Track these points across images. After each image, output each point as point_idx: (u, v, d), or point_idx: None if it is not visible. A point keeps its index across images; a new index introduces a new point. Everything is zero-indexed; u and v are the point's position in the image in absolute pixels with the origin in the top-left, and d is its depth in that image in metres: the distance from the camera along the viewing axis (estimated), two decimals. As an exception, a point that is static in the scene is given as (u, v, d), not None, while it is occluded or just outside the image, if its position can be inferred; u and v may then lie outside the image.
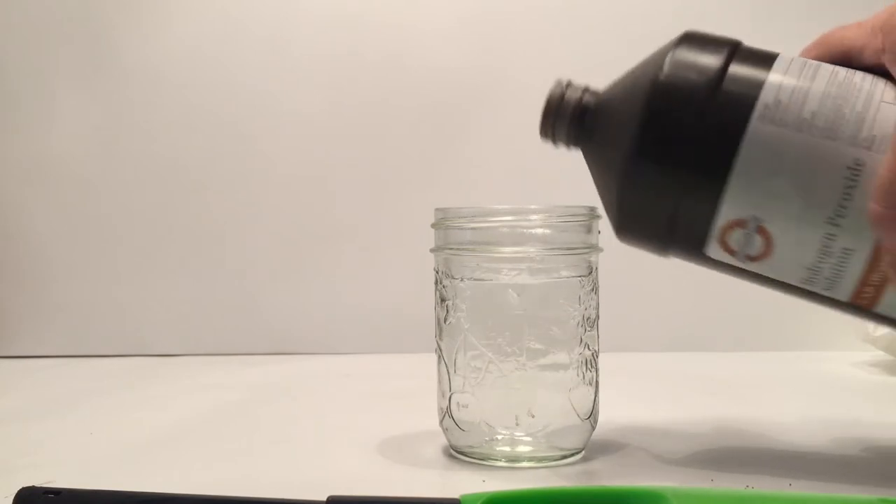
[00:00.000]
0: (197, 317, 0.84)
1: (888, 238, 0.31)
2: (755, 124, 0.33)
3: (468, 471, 0.40)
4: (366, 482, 0.38)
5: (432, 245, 0.43)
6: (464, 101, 0.83)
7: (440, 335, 0.43)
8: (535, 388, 0.40)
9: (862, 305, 0.34)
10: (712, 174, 0.34)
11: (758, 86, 0.33)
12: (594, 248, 0.42)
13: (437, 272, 0.43)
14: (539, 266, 0.40)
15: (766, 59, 0.35)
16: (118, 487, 0.31)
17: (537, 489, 0.31)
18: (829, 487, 0.36)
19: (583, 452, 0.42)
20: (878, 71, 0.34)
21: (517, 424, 0.40)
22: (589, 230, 0.42)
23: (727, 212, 0.34)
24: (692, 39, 0.36)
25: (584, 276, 0.41)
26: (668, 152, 0.34)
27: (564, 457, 0.41)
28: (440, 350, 0.43)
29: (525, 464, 0.40)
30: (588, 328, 0.41)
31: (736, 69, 0.34)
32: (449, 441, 0.42)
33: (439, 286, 0.42)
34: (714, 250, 0.35)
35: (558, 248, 0.41)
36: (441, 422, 0.43)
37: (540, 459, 0.40)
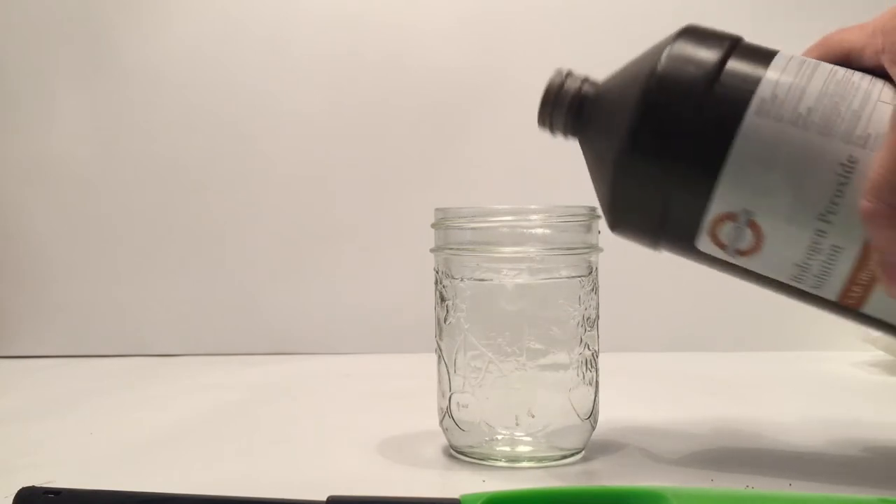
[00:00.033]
0: (197, 317, 0.85)
1: (878, 235, 0.31)
2: (751, 118, 0.33)
3: (468, 471, 0.40)
4: (366, 482, 0.38)
5: (432, 245, 0.43)
6: (464, 101, 0.83)
7: (440, 335, 0.43)
8: (535, 388, 0.40)
9: (850, 305, 0.34)
10: (706, 166, 0.34)
11: (755, 81, 0.34)
12: (594, 248, 0.42)
13: (437, 272, 0.43)
14: (539, 266, 0.40)
15: (764, 56, 0.35)
16: (118, 487, 0.31)
17: (537, 489, 0.31)
18: (829, 487, 0.36)
19: (583, 452, 0.42)
20: (878, 72, 0.34)
21: (517, 424, 0.40)
22: (589, 230, 0.42)
23: (719, 204, 0.34)
24: (692, 33, 0.36)
25: (584, 276, 0.41)
26: (663, 143, 0.35)
27: (564, 457, 0.41)
28: (440, 350, 0.43)
29: (525, 464, 0.40)
30: (588, 328, 0.41)
31: (734, 64, 0.34)
32: (449, 441, 0.42)
33: (439, 286, 0.42)
34: (704, 243, 0.35)
35: (558, 248, 0.41)
36: (441, 422, 0.43)
37: (540, 459, 0.40)
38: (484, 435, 0.40)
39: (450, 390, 0.42)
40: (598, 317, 0.42)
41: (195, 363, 0.79)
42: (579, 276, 0.41)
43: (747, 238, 0.34)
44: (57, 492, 0.29)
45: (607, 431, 0.45)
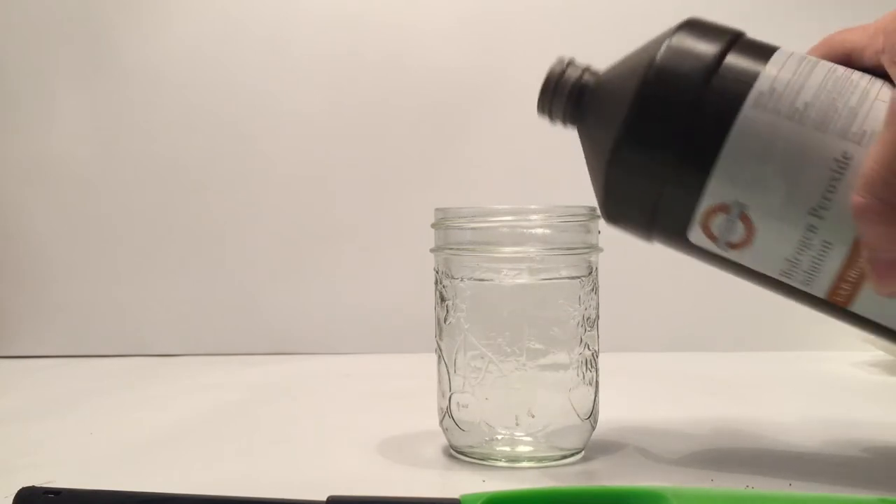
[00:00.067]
0: (197, 317, 0.85)
1: (868, 231, 0.31)
2: (747, 111, 0.33)
3: (468, 471, 0.40)
4: (366, 482, 0.38)
5: (432, 245, 0.43)
6: (464, 101, 0.83)
7: (440, 335, 0.43)
8: (535, 388, 0.40)
9: (838, 303, 0.34)
10: (700, 156, 0.34)
11: (754, 74, 0.34)
12: (594, 248, 0.42)
13: (437, 272, 0.43)
14: (539, 266, 0.40)
15: (765, 51, 0.35)
16: (118, 487, 0.31)
17: (537, 489, 0.31)
18: (829, 488, 0.36)
19: (583, 452, 0.42)
20: (878, 72, 0.34)
21: (517, 424, 0.40)
22: (589, 230, 0.42)
23: (711, 196, 0.34)
24: (693, 26, 0.36)
25: (584, 276, 0.41)
26: (659, 132, 0.35)
27: (564, 457, 0.41)
28: (440, 350, 0.43)
29: (525, 464, 0.40)
30: (588, 328, 0.41)
31: (733, 57, 0.34)
32: (449, 441, 0.42)
33: (439, 286, 0.42)
34: (696, 235, 0.35)
35: (558, 248, 0.41)
36: (441, 422, 0.43)
37: (540, 459, 0.40)
38: (484, 435, 0.40)
39: (450, 390, 0.42)
40: (598, 317, 0.42)
41: (195, 363, 0.79)
42: (579, 276, 0.41)
43: (739, 231, 0.34)
44: (57, 492, 0.29)
45: (607, 431, 0.45)
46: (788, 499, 0.32)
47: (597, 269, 0.42)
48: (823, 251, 0.33)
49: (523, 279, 0.41)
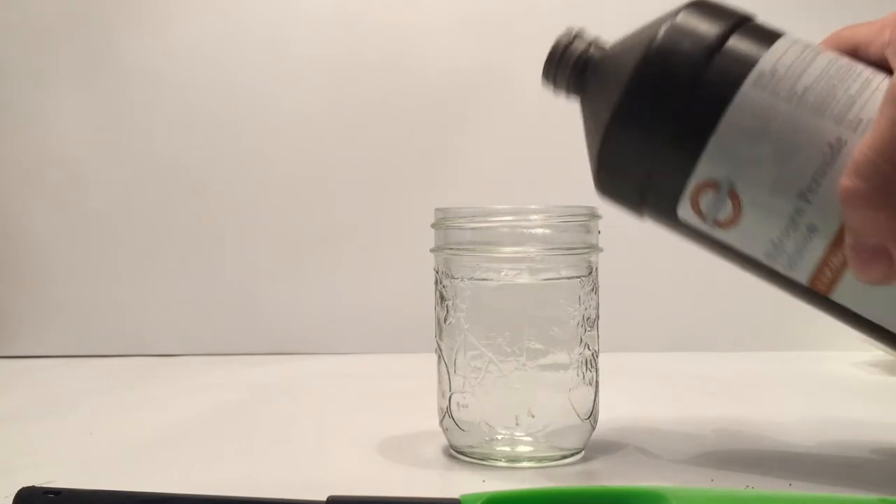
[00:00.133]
0: (197, 317, 0.85)
1: (853, 216, 0.32)
2: (747, 88, 0.33)
3: (468, 471, 0.40)
4: (366, 482, 0.38)
5: (432, 245, 0.43)
6: (464, 101, 0.83)
7: (440, 335, 0.43)
8: (535, 388, 0.40)
9: (819, 290, 0.34)
10: (695, 130, 0.34)
11: (756, 55, 0.34)
12: (594, 248, 0.42)
13: (437, 272, 0.43)
14: (539, 266, 0.40)
15: (770, 35, 0.35)
16: (118, 487, 0.31)
17: (537, 489, 0.31)
18: (829, 488, 0.36)
19: (583, 452, 0.42)
20: (883, 67, 0.34)
21: (517, 424, 0.40)
22: (589, 230, 0.42)
23: (703, 170, 0.34)
24: (701, 6, 0.36)
25: (584, 276, 0.41)
26: (656, 103, 0.35)
27: (564, 457, 0.41)
28: (440, 350, 0.43)
29: (525, 464, 0.40)
30: (588, 328, 0.41)
31: (737, 38, 0.35)
32: (449, 441, 0.42)
33: (439, 286, 0.42)
34: (685, 210, 0.36)
35: (558, 248, 0.41)
36: (441, 422, 0.43)
37: (540, 459, 0.40)
38: (484, 435, 0.40)
39: (450, 390, 0.42)
40: (598, 317, 0.42)
41: (195, 363, 0.79)
42: (579, 276, 0.41)
43: (727, 209, 0.34)
44: (57, 492, 0.29)
45: (607, 431, 0.45)
46: (788, 499, 0.32)
47: (597, 269, 0.42)
48: (808, 235, 0.33)
49: (523, 279, 0.41)
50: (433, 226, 0.43)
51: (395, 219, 0.83)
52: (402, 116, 0.84)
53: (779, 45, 0.34)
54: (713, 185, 0.34)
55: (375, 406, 0.57)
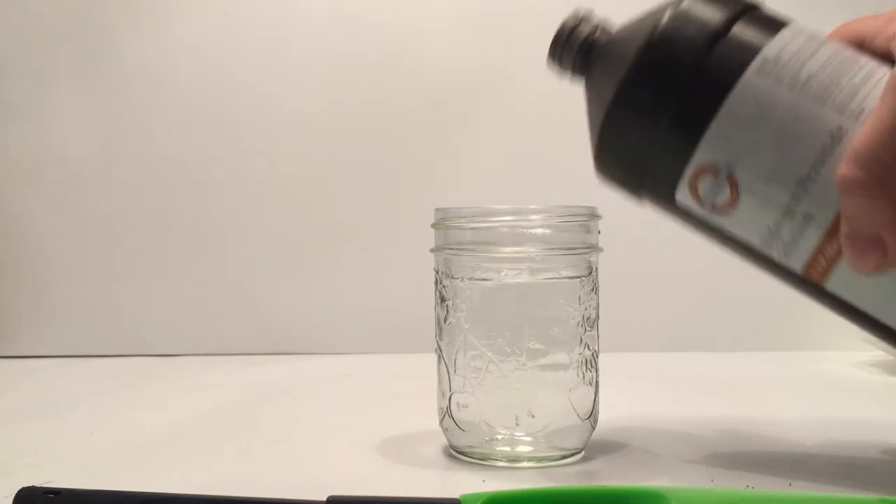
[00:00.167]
0: (197, 317, 0.85)
1: (850, 204, 0.31)
2: (751, 74, 0.33)
3: (468, 471, 0.40)
4: (366, 482, 0.38)
5: (432, 245, 0.43)
6: (464, 101, 0.83)
7: (440, 335, 0.43)
8: (535, 388, 0.40)
9: (813, 279, 0.34)
10: (698, 113, 0.34)
11: (761, 41, 0.34)
12: (594, 248, 0.42)
13: (437, 272, 0.43)
14: (539, 266, 0.40)
15: (776, 23, 0.35)
16: (118, 487, 0.31)
17: (537, 489, 0.31)
18: (829, 487, 0.36)
19: (583, 452, 0.42)
20: (889, 59, 0.34)
21: (517, 424, 0.40)
22: (589, 230, 0.42)
23: (703, 154, 0.34)
24: None
25: (584, 276, 0.41)
26: (659, 85, 0.35)
27: (564, 457, 0.41)
28: (440, 350, 0.43)
29: (525, 464, 0.40)
30: (588, 328, 0.41)
31: (743, 24, 0.35)
32: (449, 441, 0.42)
33: (439, 286, 0.42)
34: (683, 194, 0.36)
35: (558, 248, 0.41)
36: (441, 422, 0.43)
37: (540, 459, 0.40)
38: (484, 435, 0.40)
39: (450, 390, 0.42)
40: (598, 317, 0.42)
41: (195, 363, 0.79)
42: (579, 276, 0.41)
43: (724, 194, 0.34)
44: (57, 492, 0.29)
45: (607, 431, 0.45)
46: (788, 499, 0.32)
47: (597, 269, 0.42)
48: (805, 223, 0.33)
49: (523, 279, 0.41)
50: (433, 226, 0.43)
51: (395, 219, 0.83)
52: (402, 116, 0.84)
53: (784, 34, 0.34)
54: (712, 169, 0.34)
55: (375, 406, 0.57)
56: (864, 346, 0.69)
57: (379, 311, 0.83)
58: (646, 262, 0.80)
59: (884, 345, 0.68)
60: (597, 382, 0.42)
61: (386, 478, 0.39)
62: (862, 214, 0.31)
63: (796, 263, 0.34)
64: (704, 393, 0.60)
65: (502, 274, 0.41)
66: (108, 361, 0.80)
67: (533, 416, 0.40)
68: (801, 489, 0.36)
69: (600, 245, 0.42)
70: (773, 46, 0.34)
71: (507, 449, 0.40)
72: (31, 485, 0.30)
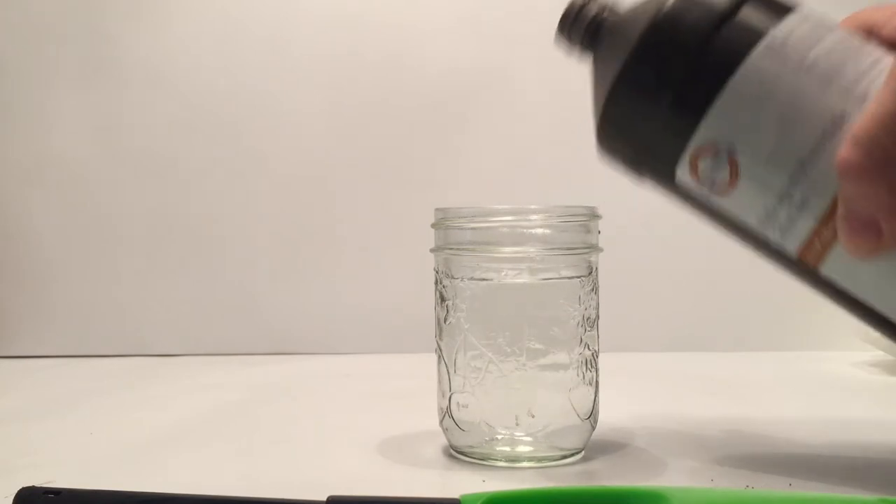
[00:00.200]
0: (197, 317, 0.85)
1: (848, 187, 0.31)
2: (757, 55, 0.34)
3: (468, 471, 0.40)
4: (366, 482, 0.38)
5: (432, 245, 0.43)
6: (464, 101, 0.83)
7: (440, 335, 0.43)
8: (535, 388, 0.40)
9: (808, 262, 0.34)
10: (701, 91, 0.34)
11: (769, 24, 0.34)
12: (594, 248, 0.42)
13: (437, 272, 0.43)
14: (539, 266, 0.40)
15: (784, 6, 0.35)
16: (118, 487, 0.31)
17: (537, 489, 0.31)
18: (829, 487, 0.36)
19: (583, 452, 0.42)
20: (895, 48, 0.34)
21: (517, 424, 0.40)
22: (589, 230, 0.42)
23: (704, 133, 0.34)
24: None
25: (584, 276, 0.41)
26: (665, 60, 0.35)
27: (564, 457, 0.41)
28: (440, 350, 0.43)
29: (525, 464, 0.40)
30: (588, 328, 0.41)
31: (753, 5, 0.35)
32: (449, 441, 0.42)
33: (439, 286, 0.42)
34: (683, 173, 0.36)
35: (558, 248, 0.41)
36: (441, 422, 0.43)
37: (540, 459, 0.40)
38: (484, 435, 0.40)
39: (450, 390, 0.42)
40: (598, 317, 0.42)
41: (195, 363, 0.79)
42: (579, 276, 0.41)
43: (724, 173, 0.35)
44: (57, 492, 0.29)
45: (607, 431, 0.45)
46: (788, 499, 0.32)
47: (597, 269, 0.42)
48: (802, 205, 0.33)
49: (523, 279, 0.41)
50: (433, 226, 0.43)
51: (395, 219, 0.83)
52: (402, 116, 0.84)
53: (792, 18, 0.34)
54: (713, 148, 0.34)
55: (375, 406, 0.57)
56: (864, 346, 0.69)
57: (379, 311, 0.83)
58: (646, 262, 0.80)
59: (884, 344, 0.68)
60: (597, 382, 0.42)
61: (386, 478, 0.39)
62: (859, 198, 0.31)
63: (792, 246, 0.34)
64: (704, 393, 0.60)
65: (502, 274, 0.41)
66: (108, 361, 0.80)
67: (533, 416, 0.40)
68: (801, 489, 0.36)
69: (600, 245, 0.42)
70: (780, 30, 0.34)
71: (507, 449, 0.40)
72: (31, 485, 0.30)
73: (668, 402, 0.57)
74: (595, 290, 0.42)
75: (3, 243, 0.86)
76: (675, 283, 0.81)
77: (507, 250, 0.41)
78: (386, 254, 0.84)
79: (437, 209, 0.43)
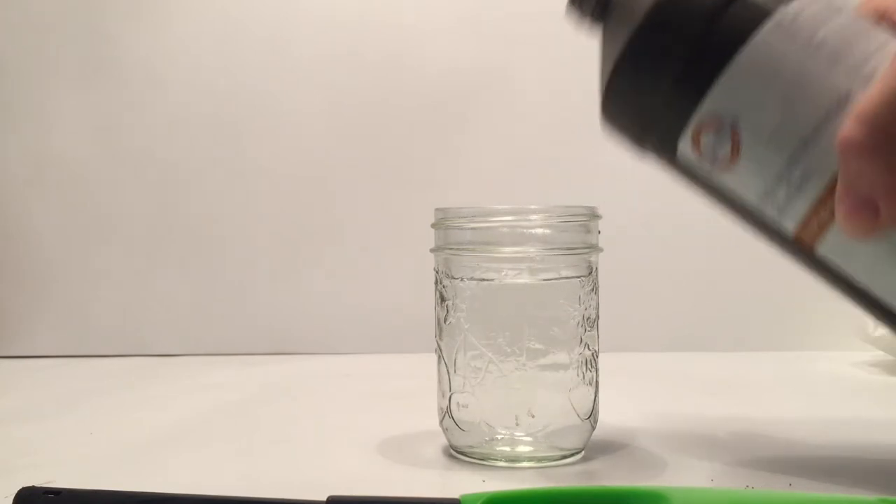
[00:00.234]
0: (197, 317, 0.85)
1: (847, 164, 0.31)
2: (766, 32, 0.34)
3: (468, 471, 0.40)
4: (366, 482, 0.38)
5: (432, 245, 0.43)
6: (464, 101, 0.83)
7: (440, 335, 0.43)
8: (535, 388, 0.40)
9: (805, 242, 0.34)
10: (708, 65, 0.34)
11: (779, 1, 0.34)
12: (594, 248, 0.42)
13: (437, 272, 0.43)
14: (539, 266, 0.40)
15: None
16: (118, 487, 0.31)
17: (537, 489, 0.31)
18: (829, 487, 0.36)
19: (583, 452, 0.42)
20: None
21: (517, 424, 0.40)
22: (589, 230, 0.42)
23: (709, 106, 0.34)
24: None
25: (584, 276, 0.41)
26: (672, 33, 0.35)
27: (564, 457, 0.41)
28: (440, 350, 0.43)
29: (525, 464, 0.40)
30: (588, 328, 0.41)
31: None
32: (449, 441, 0.42)
33: (439, 286, 0.42)
34: (685, 146, 0.36)
35: (558, 248, 0.41)
36: (441, 422, 0.43)
37: (540, 459, 0.40)
38: (484, 435, 0.40)
39: (450, 390, 0.42)
40: (598, 317, 0.42)
41: (195, 363, 0.79)
42: (579, 276, 0.41)
43: (726, 148, 0.35)
44: (57, 492, 0.29)
45: (607, 431, 0.45)
46: (788, 499, 0.32)
47: (597, 269, 0.42)
48: (801, 184, 0.33)
49: (523, 279, 0.41)
50: (433, 226, 0.43)
51: (395, 219, 0.83)
52: (402, 116, 0.84)
53: None
54: (716, 122, 0.34)
55: (375, 406, 0.57)
56: (864, 346, 0.69)
57: (379, 311, 0.83)
58: (646, 262, 0.80)
59: (883, 344, 0.68)
60: (597, 382, 0.42)
61: (386, 478, 0.39)
62: (859, 176, 0.31)
63: (789, 224, 0.34)
64: (704, 393, 0.60)
65: (502, 274, 0.41)
66: (108, 361, 0.80)
67: (533, 416, 0.40)
68: (801, 489, 0.36)
69: (600, 245, 0.42)
70: (791, 8, 0.34)
71: (507, 449, 0.40)
72: (31, 485, 0.30)
73: (668, 402, 0.57)
74: (595, 290, 0.42)
75: (3, 243, 0.86)
76: (675, 283, 0.81)
77: (507, 250, 0.41)
78: (386, 254, 0.84)
79: (437, 209, 0.43)
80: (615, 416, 0.47)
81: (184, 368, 0.76)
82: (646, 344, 0.79)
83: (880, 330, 0.68)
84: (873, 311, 0.36)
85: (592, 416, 0.42)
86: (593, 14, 0.39)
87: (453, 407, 0.41)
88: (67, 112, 0.85)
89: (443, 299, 0.42)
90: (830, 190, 0.33)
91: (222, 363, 0.78)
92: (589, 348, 0.41)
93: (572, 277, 0.41)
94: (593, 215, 0.42)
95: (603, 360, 0.43)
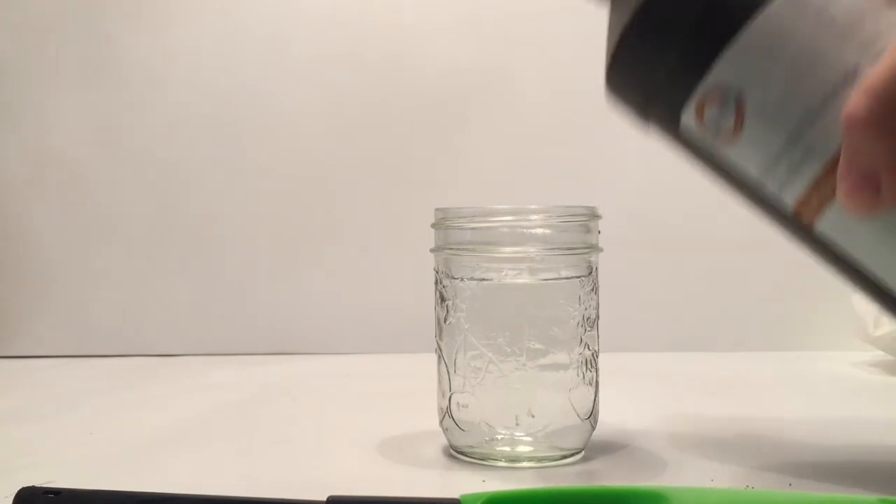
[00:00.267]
0: (197, 317, 0.85)
1: (851, 139, 0.31)
2: (777, 4, 0.33)
3: (468, 471, 0.40)
4: (366, 482, 0.38)
5: (432, 245, 0.43)
6: (464, 101, 0.83)
7: (440, 335, 0.43)
8: (535, 388, 0.40)
9: (805, 218, 0.34)
10: (718, 34, 0.34)
11: None
12: (594, 248, 0.42)
13: (437, 272, 0.43)
14: (539, 266, 0.40)
15: None
16: (118, 487, 0.31)
17: (537, 489, 0.31)
18: (830, 487, 0.36)
19: (583, 452, 0.42)
20: None
21: (517, 424, 0.40)
22: (589, 230, 0.42)
23: (715, 77, 0.34)
24: None
25: (584, 276, 0.41)
26: (681, 3, 0.35)
27: (564, 457, 0.41)
28: (440, 350, 0.43)
29: (525, 464, 0.40)
30: (588, 328, 0.41)
31: None
32: (449, 441, 0.42)
33: (439, 286, 0.42)
34: (688, 117, 0.36)
35: (558, 248, 0.41)
36: (441, 422, 0.43)
37: (540, 459, 0.40)
38: (484, 435, 0.40)
39: (450, 390, 0.42)
40: (598, 317, 0.42)
41: (195, 363, 0.79)
42: (579, 276, 0.41)
43: (729, 119, 0.34)
44: (57, 492, 0.29)
45: (607, 431, 0.45)
46: (788, 499, 0.32)
47: (597, 269, 0.42)
48: (804, 158, 0.33)
49: (523, 279, 0.41)
50: (433, 226, 0.43)
51: (395, 219, 0.83)
52: (402, 116, 0.84)
53: None
54: (721, 93, 0.34)
55: (375, 406, 0.57)
56: (864, 346, 0.69)
57: (379, 311, 0.83)
58: (646, 262, 0.80)
59: (883, 344, 0.68)
60: (597, 382, 0.42)
61: (386, 478, 0.39)
62: (862, 151, 0.31)
63: (789, 199, 0.34)
64: (704, 393, 0.60)
65: (502, 274, 0.41)
66: (108, 361, 0.80)
67: (533, 416, 0.40)
68: (801, 489, 0.36)
69: (600, 245, 0.42)
70: None
71: (507, 449, 0.40)
72: (31, 485, 0.30)
73: (668, 402, 0.57)
74: (595, 290, 0.42)
75: (3, 243, 0.86)
76: (675, 283, 0.81)
77: (507, 250, 0.41)
78: (386, 254, 0.84)
79: (437, 209, 0.43)
80: (615, 416, 0.47)
81: (184, 368, 0.76)
82: (646, 344, 0.79)
83: (880, 330, 0.68)
84: (869, 291, 0.36)
85: (592, 416, 0.42)
86: None
87: (453, 407, 0.41)
88: (67, 112, 0.85)
89: (443, 299, 0.42)
90: (833, 166, 0.32)
91: (222, 363, 0.78)
92: (589, 348, 0.41)
93: (572, 277, 0.41)
94: (593, 215, 0.42)
95: (603, 360, 0.43)
